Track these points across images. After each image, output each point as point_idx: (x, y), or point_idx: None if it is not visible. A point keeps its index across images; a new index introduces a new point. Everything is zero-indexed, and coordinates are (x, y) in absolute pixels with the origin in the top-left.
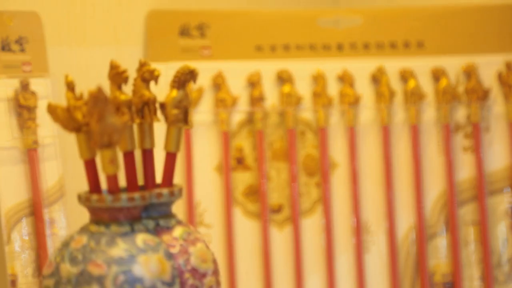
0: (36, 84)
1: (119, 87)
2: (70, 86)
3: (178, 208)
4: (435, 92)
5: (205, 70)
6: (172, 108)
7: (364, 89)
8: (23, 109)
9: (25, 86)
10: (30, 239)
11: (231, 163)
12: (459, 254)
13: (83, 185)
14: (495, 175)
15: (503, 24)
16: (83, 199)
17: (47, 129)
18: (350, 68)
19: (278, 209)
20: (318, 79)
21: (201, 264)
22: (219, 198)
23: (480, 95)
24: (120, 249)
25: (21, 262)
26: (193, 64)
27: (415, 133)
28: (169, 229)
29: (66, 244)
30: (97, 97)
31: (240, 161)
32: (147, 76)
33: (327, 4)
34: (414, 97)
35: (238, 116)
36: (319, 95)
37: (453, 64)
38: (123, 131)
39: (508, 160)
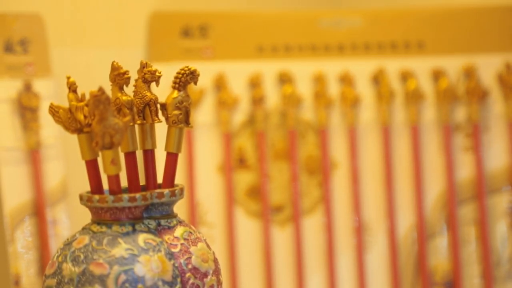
0: (39, 85)
1: (121, 88)
2: (72, 87)
3: (181, 208)
4: (435, 92)
5: (207, 71)
6: (173, 109)
7: (364, 89)
8: (26, 110)
9: (28, 87)
10: (33, 239)
11: (232, 163)
12: (459, 253)
13: (86, 186)
14: (495, 175)
15: (503, 25)
16: (85, 200)
17: (50, 129)
18: (351, 68)
19: (279, 209)
20: (319, 80)
21: (202, 264)
22: (221, 198)
23: (480, 95)
24: (121, 248)
25: (24, 262)
26: (194, 65)
27: (415, 133)
28: (170, 229)
29: (68, 244)
30: (99, 98)
31: (241, 161)
32: (148, 77)
33: (328, 5)
34: (415, 97)
35: (239, 116)
36: (320, 95)
37: (453, 64)
38: (125, 132)
39: (508, 159)
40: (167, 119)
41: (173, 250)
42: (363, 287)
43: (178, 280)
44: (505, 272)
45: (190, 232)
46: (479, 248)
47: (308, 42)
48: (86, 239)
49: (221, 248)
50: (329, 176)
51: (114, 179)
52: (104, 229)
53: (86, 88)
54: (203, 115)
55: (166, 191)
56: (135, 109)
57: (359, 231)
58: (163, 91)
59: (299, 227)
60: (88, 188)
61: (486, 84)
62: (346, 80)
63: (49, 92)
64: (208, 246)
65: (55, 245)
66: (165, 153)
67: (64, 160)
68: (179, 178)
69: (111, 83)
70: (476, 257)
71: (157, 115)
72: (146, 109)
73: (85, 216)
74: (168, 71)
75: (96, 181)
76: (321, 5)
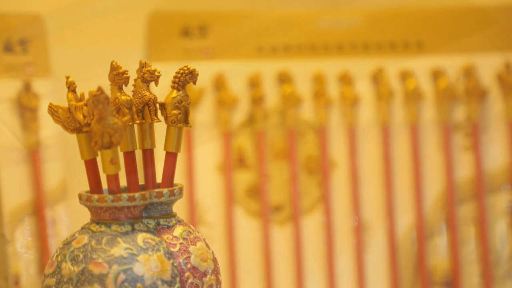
0: (38, 85)
1: (120, 88)
2: (71, 87)
3: (180, 208)
4: (434, 92)
5: (206, 70)
6: (172, 108)
7: (364, 89)
8: (25, 110)
9: (27, 87)
10: (33, 239)
11: (232, 163)
12: (458, 252)
13: (86, 186)
14: (494, 174)
15: (503, 24)
16: (84, 199)
17: (49, 129)
18: (350, 68)
19: (279, 208)
20: (318, 79)
21: (201, 263)
22: (221, 197)
23: (479, 95)
24: (121, 248)
25: (24, 262)
26: (194, 65)
27: (414, 132)
28: (169, 228)
29: (67, 243)
30: (98, 97)
31: (241, 161)
32: (147, 77)
33: (327, 5)
34: (414, 97)
35: (239, 116)
36: (320, 95)
37: (452, 64)
38: (124, 132)
39: (507, 159)
40: (166, 118)
41: (172, 249)
42: (363, 286)
43: (177, 279)
44: (504, 272)
45: (189, 232)
46: (479, 247)
47: (307, 42)
48: (85, 238)
49: (220, 248)
50: (329, 175)
51: (113, 179)
52: (103, 228)
53: (85, 88)
54: (203, 115)
55: (165, 190)
56: (134, 109)
57: (359, 230)
58: (162, 91)
59: (298, 226)
60: (88, 188)
61: (486, 83)
62: (345, 79)
63: (49, 92)
64: (207, 245)
65: (54, 245)
66: (164, 152)
67: (64, 160)
68: (179, 178)
69: (110, 83)
70: (476, 257)
71: (156, 115)
72: (145, 108)
73: (85, 215)
74: (167, 71)
75: (95, 181)
76: (321, 5)
